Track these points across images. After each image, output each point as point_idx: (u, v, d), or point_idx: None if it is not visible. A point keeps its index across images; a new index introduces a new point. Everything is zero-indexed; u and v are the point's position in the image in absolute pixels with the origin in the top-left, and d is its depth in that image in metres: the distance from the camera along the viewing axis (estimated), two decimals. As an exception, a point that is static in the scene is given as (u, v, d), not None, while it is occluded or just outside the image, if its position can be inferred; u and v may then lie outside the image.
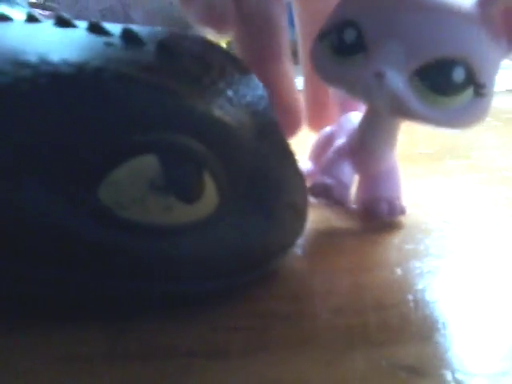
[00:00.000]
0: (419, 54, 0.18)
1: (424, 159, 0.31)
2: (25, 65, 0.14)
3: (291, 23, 0.22)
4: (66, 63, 0.14)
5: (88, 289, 0.16)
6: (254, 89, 0.18)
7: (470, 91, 0.18)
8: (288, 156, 0.18)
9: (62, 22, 0.16)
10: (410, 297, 0.18)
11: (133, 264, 0.15)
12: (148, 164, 0.15)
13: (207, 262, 0.16)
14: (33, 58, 0.14)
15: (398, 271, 0.19)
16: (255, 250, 0.17)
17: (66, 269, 0.15)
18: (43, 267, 0.15)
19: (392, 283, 0.18)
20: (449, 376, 0.14)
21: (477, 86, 0.18)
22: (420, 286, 0.18)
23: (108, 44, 0.16)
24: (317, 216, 0.23)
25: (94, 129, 0.14)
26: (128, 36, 0.16)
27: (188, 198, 0.15)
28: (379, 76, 0.18)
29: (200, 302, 0.17)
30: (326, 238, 0.22)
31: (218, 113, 0.15)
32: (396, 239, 0.22)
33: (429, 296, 0.18)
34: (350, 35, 0.19)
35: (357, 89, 0.19)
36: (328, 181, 0.22)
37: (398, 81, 0.18)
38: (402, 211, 0.23)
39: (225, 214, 0.16)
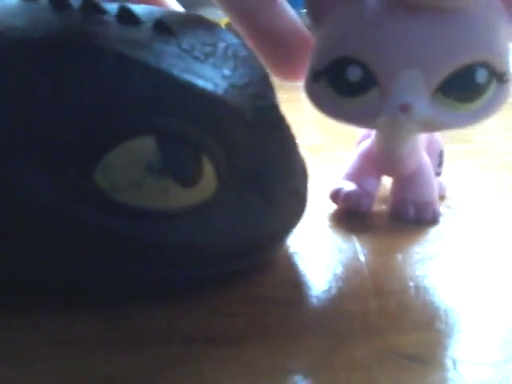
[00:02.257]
0: (437, 71, 0.17)
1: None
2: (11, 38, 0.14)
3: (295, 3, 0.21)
4: (51, 38, 0.14)
5: (83, 274, 0.15)
6: (254, 69, 0.17)
7: (494, 83, 0.18)
8: (289, 140, 0.18)
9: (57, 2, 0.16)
10: (411, 283, 0.17)
11: (129, 248, 0.15)
12: (145, 146, 0.14)
13: (205, 247, 0.16)
14: (16, 33, 0.14)
15: (399, 257, 0.19)
16: (254, 235, 0.17)
17: (60, 253, 0.15)
18: (37, 251, 0.15)
19: (392, 269, 0.18)
20: (450, 364, 0.14)
21: (499, 76, 0.18)
22: (421, 272, 0.18)
23: (104, 22, 0.15)
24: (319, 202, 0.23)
25: (88, 109, 0.14)
26: (124, 14, 0.15)
27: (186, 181, 0.15)
28: (406, 108, 0.17)
29: (198, 288, 0.17)
30: (327, 223, 0.22)
31: (215, 94, 0.15)
32: (396, 224, 0.21)
33: (429, 282, 0.17)
34: (354, 73, 0.18)
35: (378, 124, 0.18)
36: (351, 189, 0.22)
37: (425, 107, 0.17)
38: (435, 217, 0.22)
39: (223, 198, 0.16)
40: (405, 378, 0.14)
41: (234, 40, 0.18)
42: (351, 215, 0.22)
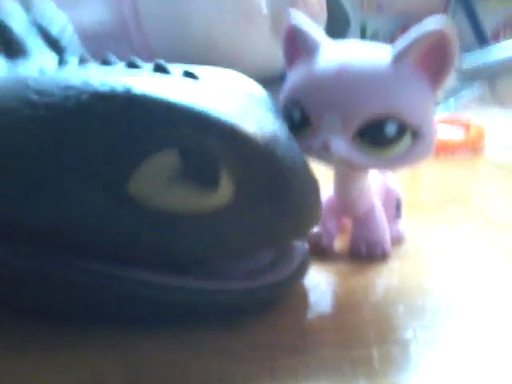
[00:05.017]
0: (352, 118, 0.20)
1: (425, 207, 0.32)
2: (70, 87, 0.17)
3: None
4: (103, 84, 0.17)
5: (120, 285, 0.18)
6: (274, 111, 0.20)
7: (407, 137, 0.20)
8: (302, 163, 0.20)
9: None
10: (411, 333, 0.18)
11: (160, 251, 0.17)
12: (170, 157, 0.17)
13: (224, 246, 0.18)
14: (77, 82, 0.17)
15: (401, 308, 0.20)
16: (270, 236, 0.19)
17: (102, 258, 0.17)
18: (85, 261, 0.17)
19: (395, 319, 0.19)
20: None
21: (413, 129, 0.20)
22: (421, 323, 0.19)
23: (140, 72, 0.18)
24: (319, 260, 0.24)
25: (124, 134, 0.17)
26: (157, 67, 0.19)
27: (207, 186, 0.17)
28: (326, 146, 0.21)
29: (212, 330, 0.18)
30: (331, 277, 0.23)
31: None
32: (398, 280, 0.22)
33: (430, 333, 0.19)
34: (296, 114, 0.22)
35: (314, 158, 0.22)
36: (317, 230, 0.25)
37: (341, 145, 0.20)
38: (384, 253, 0.24)
39: (241, 203, 0.18)
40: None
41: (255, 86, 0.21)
42: (355, 271, 0.23)
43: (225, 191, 0.17)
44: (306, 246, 0.22)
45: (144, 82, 0.17)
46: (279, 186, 0.18)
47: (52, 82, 0.17)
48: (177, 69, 0.19)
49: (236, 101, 0.18)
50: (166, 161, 0.17)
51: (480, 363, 0.17)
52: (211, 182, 0.17)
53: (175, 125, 0.17)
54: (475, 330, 0.19)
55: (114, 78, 0.17)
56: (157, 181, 0.17)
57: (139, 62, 0.19)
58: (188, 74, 0.19)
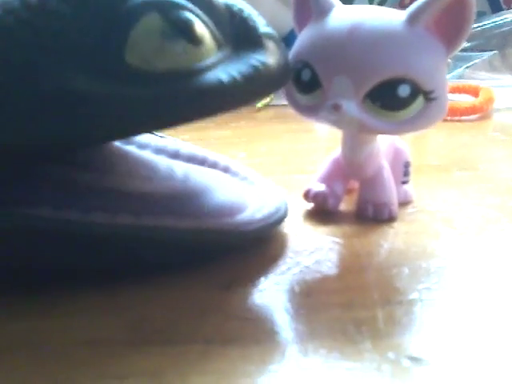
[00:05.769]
0: (364, 80, 0.20)
1: (432, 170, 0.32)
2: None
3: (291, 43, 0.23)
4: None
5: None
6: None
7: (420, 99, 0.20)
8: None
9: None
10: (416, 294, 0.18)
11: (171, 107, 0.18)
12: (153, 20, 0.17)
13: (228, 89, 0.18)
14: None
15: (405, 270, 0.20)
16: (264, 74, 0.19)
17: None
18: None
19: (399, 281, 0.19)
20: (447, 365, 0.15)
21: (425, 93, 0.20)
22: (425, 285, 0.19)
23: None
24: (326, 222, 0.24)
25: (102, 11, 0.17)
26: None
27: (194, 39, 0.18)
28: (337, 107, 0.20)
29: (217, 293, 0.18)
30: (336, 238, 0.23)
31: None
32: (404, 242, 0.22)
33: (433, 295, 0.19)
34: (305, 75, 0.22)
35: (323, 119, 0.21)
36: (324, 189, 0.25)
37: (352, 107, 0.20)
38: (391, 216, 0.24)
39: (226, 53, 0.19)
40: (408, 378, 0.15)
41: None
42: (359, 234, 0.23)
43: (211, 45, 0.18)
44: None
45: None
46: (252, 35, 0.20)
47: None
48: None
49: None
50: (150, 24, 0.17)
51: (484, 324, 0.17)
52: (197, 36, 0.18)
53: None
54: (479, 291, 0.19)
55: None
56: (149, 44, 0.17)
57: None
58: None
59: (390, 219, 0.24)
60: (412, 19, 0.20)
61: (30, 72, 0.16)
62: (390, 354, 0.15)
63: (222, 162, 0.25)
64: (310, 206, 0.25)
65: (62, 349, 0.16)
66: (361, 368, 0.15)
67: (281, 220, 0.22)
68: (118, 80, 0.17)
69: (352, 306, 0.18)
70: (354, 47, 0.20)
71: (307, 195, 0.25)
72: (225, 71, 0.18)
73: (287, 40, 0.23)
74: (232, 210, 0.21)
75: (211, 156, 0.25)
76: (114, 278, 0.19)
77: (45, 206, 0.18)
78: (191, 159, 0.24)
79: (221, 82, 0.18)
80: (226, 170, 0.24)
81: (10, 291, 0.18)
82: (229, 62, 0.19)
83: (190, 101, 0.18)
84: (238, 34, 0.19)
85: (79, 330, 0.17)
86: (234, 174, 0.24)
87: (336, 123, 0.21)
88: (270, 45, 0.20)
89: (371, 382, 0.14)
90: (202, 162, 0.24)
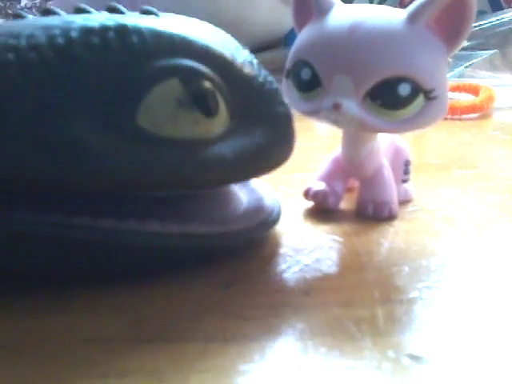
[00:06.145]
0: (364, 80, 0.20)
1: (432, 169, 0.32)
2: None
3: (291, 42, 0.23)
4: (88, 20, 0.17)
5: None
6: None
7: (420, 98, 0.20)
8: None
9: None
10: (416, 293, 0.18)
11: (172, 175, 0.18)
12: (172, 86, 0.17)
13: (230, 166, 0.19)
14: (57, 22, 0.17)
15: (406, 268, 0.20)
16: (267, 153, 0.20)
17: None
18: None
19: (399, 279, 0.19)
20: (448, 363, 0.15)
21: (426, 92, 0.20)
22: (426, 284, 0.19)
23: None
24: (326, 221, 0.24)
25: (124, 67, 0.17)
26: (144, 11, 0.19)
27: (209, 110, 0.18)
28: (337, 106, 0.20)
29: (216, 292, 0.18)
30: (336, 237, 0.23)
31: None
32: (404, 241, 0.22)
33: (434, 293, 0.18)
34: (306, 74, 0.21)
35: (323, 118, 0.21)
36: (324, 188, 0.25)
37: (353, 106, 0.20)
38: (391, 214, 0.24)
39: (237, 123, 0.19)
40: (408, 376, 0.15)
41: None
42: (358, 232, 0.23)
43: (224, 117, 0.18)
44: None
45: (131, 18, 0.18)
46: (266, 110, 0.20)
47: (25, 25, 0.17)
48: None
49: (213, 33, 0.20)
50: (168, 90, 0.17)
51: (484, 322, 0.17)
52: (212, 109, 0.18)
53: (173, 53, 0.18)
54: (480, 290, 0.19)
55: (99, 16, 0.18)
56: (163, 110, 0.17)
57: (121, 7, 0.19)
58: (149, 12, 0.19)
59: (390, 218, 0.24)
60: (412, 18, 0.20)
61: (40, 110, 0.16)
62: (390, 353, 0.15)
63: None
64: (310, 204, 0.25)
65: (61, 347, 0.16)
66: (361, 366, 0.15)
67: (273, 223, 0.22)
68: (126, 139, 0.17)
69: (352, 304, 0.18)
70: (354, 46, 0.20)
71: (307, 194, 0.25)
72: (230, 146, 0.19)
73: (287, 39, 0.23)
74: (223, 213, 0.21)
75: None
76: (114, 276, 0.19)
77: (23, 208, 0.17)
78: None
79: (224, 159, 0.18)
80: None
81: (9, 291, 0.18)
82: (237, 134, 0.19)
83: (190, 171, 0.18)
84: (253, 107, 0.20)
85: (79, 328, 0.17)
86: None
87: (336, 122, 0.21)
88: (281, 125, 0.20)
89: (371, 381, 0.14)
90: None
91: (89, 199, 0.18)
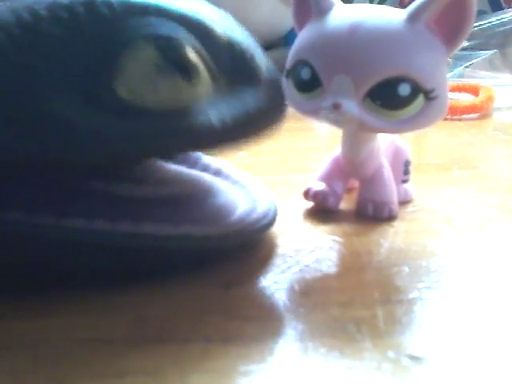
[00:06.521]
0: (364, 79, 0.20)
1: (432, 169, 0.32)
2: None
3: (291, 42, 0.23)
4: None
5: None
6: None
7: (420, 98, 0.20)
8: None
9: None
10: (416, 293, 0.18)
11: (158, 143, 0.17)
12: (148, 52, 0.17)
13: (218, 132, 0.18)
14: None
15: (405, 269, 0.20)
16: (257, 118, 0.19)
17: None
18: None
19: (399, 280, 0.19)
20: (448, 364, 0.15)
21: (426, 92, 0.20)
22: (426, 284, 0.19)
23: None
24: (326, 221, 0.24)
25: (96, 39, 0.17)
26: None
27: (189, 74, 0.17)
28: (337, 106, 0.20)
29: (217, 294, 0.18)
30: (336, 237, 0.23)
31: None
32: (404, 241, 0.22)
33: (434, 293, 0.18)
34: (306, 74, 0.21)
35: (323, 119, 0.21)
36: (324, 188, 0.25)
37: (353, 106, 0.20)
38: (391, 215, 0.24)
39: (222, 89, 0.18)
40: (408, 377, 0.15)
41: None
42: (358, 232, 0.23)
43: (207, 82, 0.18)
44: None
45: None
46: (252, 76, 0.19)
47: None
48: None
49: (192, 2, 0.19)
50: (144, 57, 0.17)
51: (484, 322, 0.17)
52: (192, 73, 0.17)
53: (145, 18, 0.17)
54: (480, 290, 0.19)
55: None
56: (140, 76, 0.17)
57: None
58: None
59: (390, 218, 0.24)
60: (412, 18, 0.20)
61: (15, 90, 0.16)
62: (390, 353, 0.15)
63: (214, 164, 0.24)
64: (310, 204, 0.25)
65: (61, 347, 0.16)
66: (361, 367, 0.15)
67: (268, 226, 0.22)
68: (107, 110, 0.16)
69: (352, 304, 0.18)
70: (354, 46, 0.20)
71: (307, 194, 0.25)
72: (216, 111, 0.18)
73: (287, 39, 0.23)
74: (218, 216, 0.21)
75: (203, 158, 0.24)
76: (114, 277, 0.19)
77: (19, 209, 0.17)
78: (183, 161, 0.24)
79: (211, 124, 0.18)
80: (217, 172, 0.24)
81: (9, 291, 0.18)
82: (222, 99, 0.18)
83: (177, 139, 0.17)
84: (237, 70, 0.19)
85: (79, 329, 0.17)
86: (225, 178, 0.24)
87: (336, 122, 0.21)
88: (270, 88, 0.20)
89: (371, 381, 0.14)
90: (194, 163, 0.24)
91: (82, 200, 0.18)
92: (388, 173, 0.24)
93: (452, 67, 0.53)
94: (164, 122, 0.17)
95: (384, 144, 0.25)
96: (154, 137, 0.17)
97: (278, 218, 0.22)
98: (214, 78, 0.18)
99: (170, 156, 0.19)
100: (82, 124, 0.16)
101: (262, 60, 0.20)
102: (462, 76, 0.54)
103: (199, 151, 0.19)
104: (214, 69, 0.18)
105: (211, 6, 0.20)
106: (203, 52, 0.18)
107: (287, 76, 0.23)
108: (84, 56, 0.16)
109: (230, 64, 0.19)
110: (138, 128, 0.17)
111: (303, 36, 0.22)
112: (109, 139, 0.16)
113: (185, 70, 0.17)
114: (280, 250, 0.21)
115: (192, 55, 0.18)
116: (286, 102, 0.21)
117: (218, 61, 0.19)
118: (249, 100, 0.19)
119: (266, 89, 0.20)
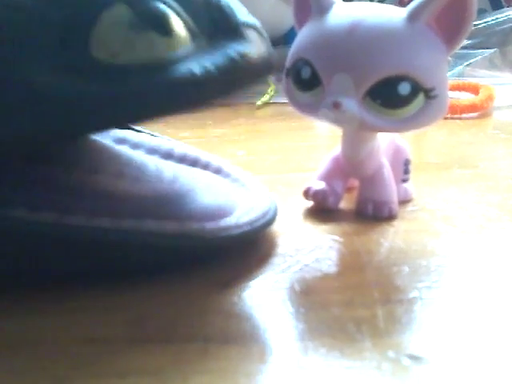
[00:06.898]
0: (364, 78, 0.20)
1: (432, 169, 0.32)
2: None
3: (291, 41, 0.23)
4: None
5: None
6: None
7: (420, 97, 0.20)
8: None
9: None
10: (416, 293, 0.18)
11: (141, 101, 0.17)
12: (121, 11, 0.17)
13: (202, 82, 0.17)
14: None
15: (405, 268, 0.20)
16: (242, 65, 0.18)
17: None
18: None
19: (399, 279, 0.19)
20: (448, 363, 0.15)
21: (426, 91, 0.20)
22: (426, 284, 0.19)
23: None
24: (326, 220, 0.24)
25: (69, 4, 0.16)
26: None
27: (165, 30, 0.17)
28: (337, 105, 0.20)
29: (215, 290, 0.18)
30: (335, 237, 0.23)
31: None
32: (404, 241, 0.22)
33: (434, 293, 0.18)
34: (305, 73, 0.21)
35: (323, 117, 0.21)
36: (324, 187, 0.25)
37: (352, 105, 0.20)
38: (391, 214, 0.24)
39: (201, 43, 0.18)
40: (408, 376, 0.15)
41: None
42: (358, 232, 0.23)
43: (183, 34, 0.18)
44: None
45: None
46: (231, 24, 0.19)
47: None
48: None
49: None
50: (117, 15, 0.17)
51: (484, 322, 0.17)
52: (166, 26, 0.17)
53: None
54: (480, 290, 0.19)
55: None
56: (116, 37, 0.16)
57: None
58: None
59: (390, 217, 0.24)
60: (412, 17, 0.20)
61: None
62: (390, 353, 0.15)
63: (215, 162, 0.24)
64: (310, 204, 0.25)
65: (62, 347, 0.16)
66: (361, 367, 0.15)
67: (267, 225, 0.22)
68: (85, 75, 0.16)
69: (352, 304, 0.18)
70: (354, 45, 0.20)
71: (307, 193, 0.25)
72: (198, 63, 0.17)
73: (287, 37, 0.23)
74: (217, 214, 0.21)
75: (204, 156, 0.24)
76: (114, 276, 0.19)
77: (21, 206, 0.17)
78: (183, 159, 0.24)
79: (193, 74, 0.17)
80: (217, 171, 0.24)
81: (9, 290, 0.18)
82: (203, 53, 0.18)
83: (160, 95, 0.17)
84: (215, 24, 0.19)
85: (79, 328, 0.17)
86: (226, 176, 0.24)
87: (336, 121, 0.21)
88: (251, 34, 0.19)
89: (371, 381, 0.14)
90: (194, 162, 0.24)
91: (84, 198, 0.18)
92: (388, 172, 0.24)
93: (452, 66, 0.53)
94: (144, 78, 0.17)
95: (384, 143, 0.25)
96: (137, 95, 0.17)
97: (277, 217, 0.22)
98: (191, 30, 0.18)
99: (158, 115, 0.18)
100: (61, 91, 0.16)
101: (242, 11, 0.20)
102: (461, 75, 0.54)
103: (188, 108, 0.18)
104: (191, 22, 0.18)
105: None
106: (177, 5, 0.18)
107: (287, 74, 0.23)
108: (57, 23, 0.16)
109: (208, 17, 0.19)
110: (119, 88, 0.16)
111: (303, 35, 0.22)
112: (88, 102, 0.16)
113: (158, 23, 0.17)
114: (280, 250, 0.21)
115: (164, 9, 0.17)
116: (271, 51, 0.20)
117: (195, 14, 0.18)
118: (231, 49, 0.18)
119: (249, 38, 0.19)
